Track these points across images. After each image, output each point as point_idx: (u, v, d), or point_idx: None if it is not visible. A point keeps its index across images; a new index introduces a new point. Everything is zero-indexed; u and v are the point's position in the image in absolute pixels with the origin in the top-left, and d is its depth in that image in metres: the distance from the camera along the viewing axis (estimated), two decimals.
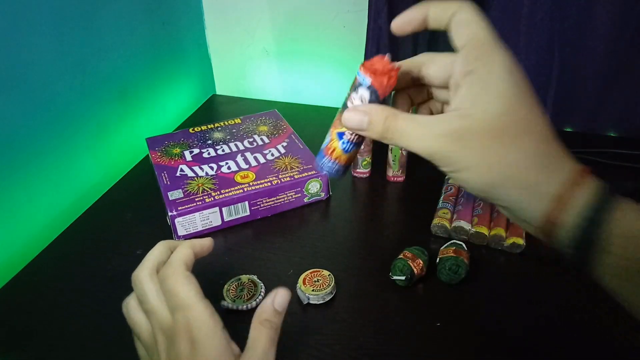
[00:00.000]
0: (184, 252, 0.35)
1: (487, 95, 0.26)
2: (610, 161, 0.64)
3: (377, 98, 0.30)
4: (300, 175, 0.57)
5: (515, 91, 0.26)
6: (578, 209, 0.26)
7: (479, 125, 0.26)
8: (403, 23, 0.30)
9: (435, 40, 0.72)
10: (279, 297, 0.33)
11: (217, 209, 0.53)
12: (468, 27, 0.27)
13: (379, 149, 0.63)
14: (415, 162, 0.63)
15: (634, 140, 0.69)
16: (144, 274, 0.34)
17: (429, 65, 0.30)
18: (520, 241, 0.50)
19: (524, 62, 0.70)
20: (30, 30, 0.53)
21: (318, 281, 0.46)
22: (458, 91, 0.27)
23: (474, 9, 0.27)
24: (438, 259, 0.48)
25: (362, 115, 0.29)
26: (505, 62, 0.26)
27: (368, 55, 0.75)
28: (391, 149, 0.61)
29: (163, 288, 0.33)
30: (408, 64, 0.32)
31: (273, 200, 0.56)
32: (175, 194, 0.54)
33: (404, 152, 0.61)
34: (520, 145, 0.26)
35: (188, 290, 0.32)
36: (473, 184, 0.27)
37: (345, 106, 0.31)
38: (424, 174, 0.63)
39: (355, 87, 0.31)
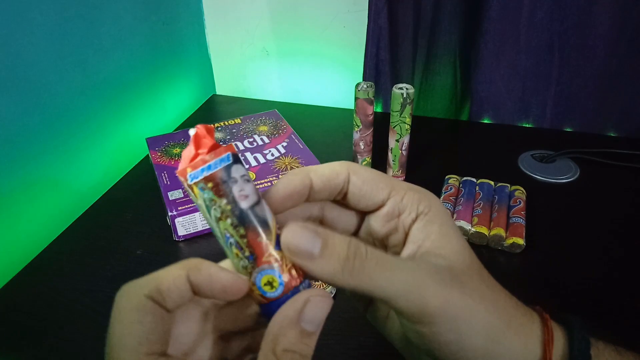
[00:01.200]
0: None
1: (451, 235, 0.23)
2: (611, 161, 0.64)
3: (244, 166, 0.22)
4: None
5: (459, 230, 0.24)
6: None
7: (460, 265, 0.22)
8: (283, 198, 0.23)
9: (435, 40, 0.72)
10: (312, 309, 0.20)
11: None
12: (384, 179, 0.24)
13: (379, 149, 0.63)
14: (415, 162, 0.63)
15: (634, 140, 0.69)
16: None
17: (357, 182, 0.24)
18: (520, 241, 0.50)
19: (524, 62, 0.70)
20: (30, 30, 0.53)
21: (318, 280, 0.46)
22: (414, 233, 0.23)
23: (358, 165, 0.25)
24: None
25: (312, 234, 0.20)
26: (441, 203, 0.25)
27: (368, 55, 0.75)
28: (391, 149, 0.61)
29: None
30: (325, 172, 0.24)
31: None
32: (175, 194, 0.54)
33: (404, 152, 0.61)
34: (496, 286, 0.24)
35: None
36: (474, 345, 0.21)
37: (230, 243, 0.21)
38: (424, 174, 0.63)
39: (221, 185, 0.21)
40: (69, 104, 0.59)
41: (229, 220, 0.21)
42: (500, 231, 0.51)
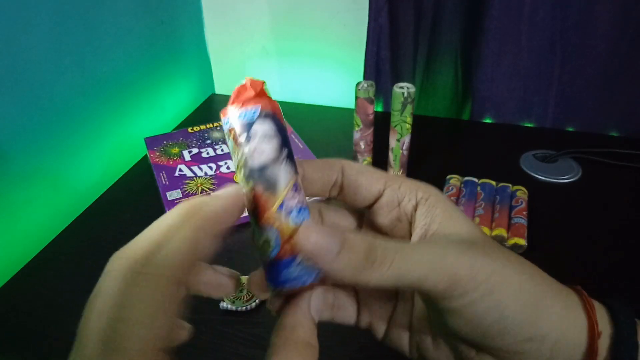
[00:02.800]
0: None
1: (457, 216, 0.23)
2: (613, 161, 0.63)
3: (281, 126, 0.22)
4: None
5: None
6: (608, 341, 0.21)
7: (474, 241, 0.21)
8: None
9: (436, 38, 0.72)
10: (316, 299, 0.22)
11: None
12: (377, 171, 0.24)
13: (380, 149, 0.62)
14: (416, 162, 0.63)
15: (636, 140, 0.69)
16: None
17: (359, 177, 0.24)
18: (522, 241, 0.49)
19: (526, 61, 0.70)
20: (28, 29, 0.52)
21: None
22: (419, 219, 0.23)
23: (350, 162, 0.24)
24: None
25: (331, 233, 0.19)
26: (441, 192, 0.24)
27: (368, 54, 0.75)
28: (392, 149, 0.60)
29: None
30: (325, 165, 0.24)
31: None
32: (173, 194, 0.53)
33: (405, 152, 0.60)
34: (526, 262, 0.22)
35: None
36: (513, 310, 0.20)
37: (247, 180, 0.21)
38: (425, 174, 0.63)
39: (238, 137, 0.21)
40: (67, 104, 0.59)
41: (242, 172, 0.21)
42: (502, 231, 0.50)
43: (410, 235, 0.24)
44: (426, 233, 0.22)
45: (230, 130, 0.21)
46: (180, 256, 0.18)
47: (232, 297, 0.45)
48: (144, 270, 0.18)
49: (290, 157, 0.21)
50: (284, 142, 0.21)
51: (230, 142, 0.22)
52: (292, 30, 0.83)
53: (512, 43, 0.69)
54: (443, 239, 0.22)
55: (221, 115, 0.22)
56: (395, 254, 0.20)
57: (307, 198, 0.22)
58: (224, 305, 0.44)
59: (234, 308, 0.44)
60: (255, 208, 0.21)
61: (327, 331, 0.43)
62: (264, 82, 0.22)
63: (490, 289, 0.20)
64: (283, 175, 0.21)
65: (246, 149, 0.21)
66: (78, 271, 0.51)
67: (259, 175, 0.21)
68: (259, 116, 0.21)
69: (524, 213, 0.53)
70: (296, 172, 0.21)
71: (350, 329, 0.43)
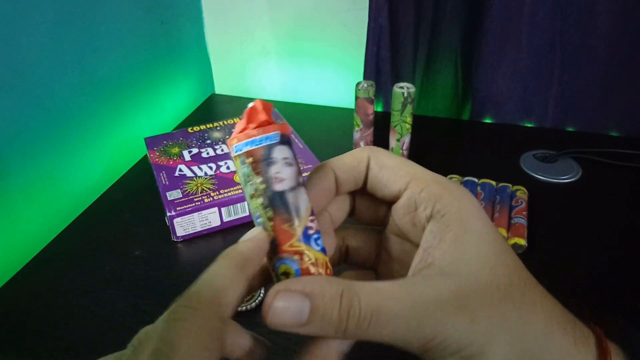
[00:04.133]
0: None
1: (469, 245, 0.20)
2: (613, 161, 0.63)
3: (292, 150, 0.21)
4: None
5: (497, 236, 0.20)
6: None
7: (474, 285, 0.19)
8: (313, 200, 0.22)
9: (436, 38, 0.72)
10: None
11: (216, 209, 0.53)
12: (405, 167, 0.22)
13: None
14: (416, 162, 0.63)
15: (636, 140, 0.69)
16: None
17: (381, 172, 0.23)
18: (522, 241, 0.49)
19: (526, 61, 0.70)
20: (28, 29, 0.52)
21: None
22: (426, 236, 0.21)
23: (385, 151, 0.24)
24: None
25: (297, 300, 0.18)
26: (474, 204, 0.21)
27: (368, 54, 0.75)
28: (392, 149, 0.60)
29: None
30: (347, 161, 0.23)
31: None
32: (173, 194, 0.53)
33: (405, 152, 0.60)
34: (536, 307, 0.20)
35: None
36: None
37: (260, 214, 0.21)
38: None
39: (258, 162, 0.20)
40: (67, 104, 0.59)
41: (260, 200, 0.20)
42: (502, 231, 0.50)
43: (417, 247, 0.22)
44: (426, 260, 0.20)
45: (246, 157, 0.20)
46: (217, 292, 0.19)
47: None
48: (185, 303, 0.18)
49: (305, 184, 0.21)
50: (299, 168, 0.21)
51: (244, 169, 0.20)
52: (292, 30, 0.83)
53: (512, 43, 0.69)
54: (435, 281, 0.19)
55: (232, 141, 0.21)
56: (370, 325, 0.19)
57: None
58: None
59: None
60: (275, 238, 0.20)
61: None
62: (272, 105, 0.22)
63: (470, 354, 0.19)
64: (303, 201, 0.21)
65: (269, 175, 0.20)
66: (78, 271, 0.51)
67: (281, 201, 0.20)
68: (280, 142, 0.20)
69: (524, 213, 0.53)
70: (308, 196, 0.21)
71: None
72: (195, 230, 0.53)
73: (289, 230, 0.20)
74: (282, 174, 0.20)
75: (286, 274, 0.20)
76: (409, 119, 0.57)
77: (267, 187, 0.20)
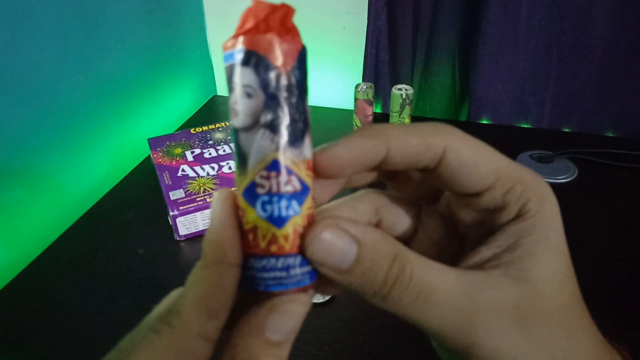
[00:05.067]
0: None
1: (547, 254, 0.18)
2: (609, 161, 0.64)
3: (274, 77, 0.15)
4: None
5: (568, 254, 0.18)
6: None
7: (541, 296, 0.17)
8: (340, 164, 0.18)
9: (434, 41, 0.73)
10: (278, 317, 0.17)
11: None
12: (489, 162, 0.18)
13: None
14: None
15: (632, 140, 0.69)
16: None
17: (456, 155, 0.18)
18: None
19: (523, 63, 0.71)
20: (32, 31, 0.53)
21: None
22: (500, 236, 0.18)
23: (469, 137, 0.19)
24: None
25: (346, 241, 0.16)
26: (558, 211, 0.19)
27: (368, 56, 0.76)
28: None
29: None
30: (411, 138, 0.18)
31: None
32: (176, 194, 0.54)
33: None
34: (585, 331, 0.18)
35: None
36: None
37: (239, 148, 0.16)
38: None
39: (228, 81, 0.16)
40: (70, 105, 0.60)
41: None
42: None
43: (472, 243, 0.19)
44: (491, 260, 0.18)
45: (227, 69, 0.16)
46: (195, 307, 0.17)
47: None
48: (155, 327, 0.17)
49: (273, 127, 0.16)
50: (271, 104, 0.15)
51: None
52: None
53: (509, 45, 0.70)
54: (493, 291, 0.17)
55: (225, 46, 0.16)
56: (415, 303, 0.16)
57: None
58: None
59: None
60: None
61: (329, 329, 0.44)
62: (285, 8, 0.16)
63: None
64: (257, 149, 0.16)
65: (229, 103, 0.16)
66: (81, 271, 0.51)
67: (235, 141, 0.16)
68: (243, 62, 0.15)
69: None
70: (295, 151, 0.16)
71: (351, 327, 0.44)
72: (198, 229, 0.54)
73: (236, 179, 0.17)
74: (237, 106, 0.16)
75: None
76: (408, 120, 0.58)
77: (230, 117, 0.16)
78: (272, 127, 0.16)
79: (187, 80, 0.86)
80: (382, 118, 0.66)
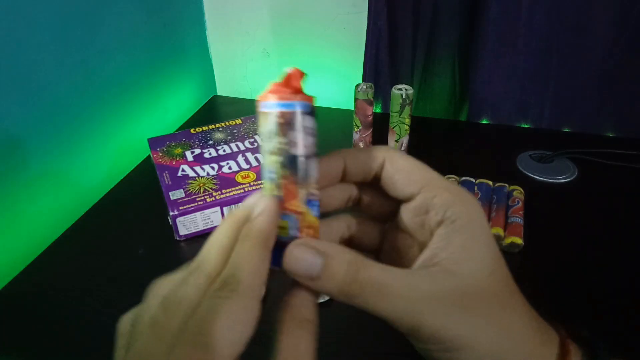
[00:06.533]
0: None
1: (475, 249, 0.22)
2: (609, 161, 0.64)
3: (315, 123, 0.23)
4: None
5: (496, 247, 0.22)
6: None
7: (473, 285, 0.21)
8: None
9: (434, 41, 0.73)
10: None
11: (218, 208, 0.54)
12: (419, 171, 0.24)
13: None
14: None
15: (632, 140, 0.69)
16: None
17: (393, 169, 0.24)
18: (519, 241, 0.50)
19: (522, 63, 0.71)
20: (32, 31, 0.53)
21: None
22: (435, 239, 0.22)
23: (405, 154, 0.25)
24: None
25: (312, 255, 0.21)
26: (481, 212, 0.23)
27: (368, 56, 0.76)
28: None
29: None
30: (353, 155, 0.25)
31: None
32: (176, 194, 0.54)
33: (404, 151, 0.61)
34: (517, 310, 0.22)
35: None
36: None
37: (273, 171, 0.22)
38: None
39: (287, 123, 0.22)
40: (70, 105, 0.60)
41: (279, 158, 0.22)
42: (499, 231, 0.51)
43: (423, 247, 0.23)
44: (432, 259, 0.22)
45: (276, 116, 0.22)
46: (251, 275, 0.20)
47: None
48: (225, 287, 0.20)
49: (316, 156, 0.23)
50: (316, 141, 0.23)
51: (272, 126, 0.22)
52: (292, 33, 0.84)
53: (509, 45, 0.70)
54: (437, 280, 0.21)
55: (268, 98, 0.22)
56: (371, 294, 0.20)
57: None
58: None
59: None
60: (281, 195, 0.22)
61: (328, 329, 0.44)
62: (305, 75, 0.23)
63: (455, 350, 0.21)
64: (313, 170, 0.23)
65: (293, 139, 0.22)
66: (81, 271, 0.51)
67: (296, 164, 0.22)
68: (310, 112, 0.22)
69: (521, 212, 0.54)
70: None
71: (351, 327, 0.44)
72: (198, 230, 0.54)
73: (295, 191, 0.22)
74: (304, 141, 0.22)
75: (283, 228, 0.23)
76: (408, 120, 0.58)
77: (288, 148, 0.22)
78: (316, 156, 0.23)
79: (187, 80, 0.86)
80: (382, 118, 0.66)
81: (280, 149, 0.22)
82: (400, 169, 0.24)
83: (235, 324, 0.19)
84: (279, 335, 0.21)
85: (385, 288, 0.20)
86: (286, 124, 0.22)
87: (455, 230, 0.22)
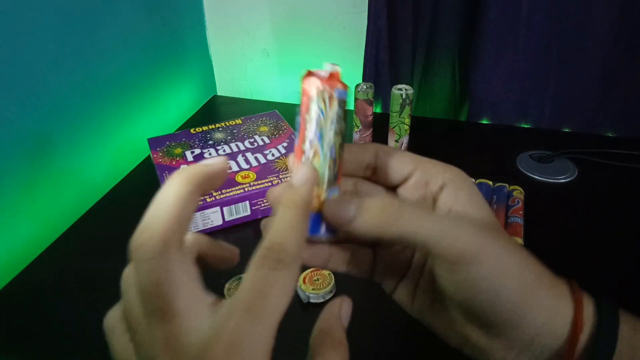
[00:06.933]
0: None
1: (477, 202, 0.25)
2: (609, 161, 0.64)
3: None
4: None
5: (486, 203, 0.26)
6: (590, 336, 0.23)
7: (485, 224, 0.24)
8: None
9: (434, 41, 0.73)
10: (346, 308, 0.25)
11: (218, 208, 0.54)
12: (409, 155, 0.27)
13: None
14: None
15: (632, 140, 0.69)
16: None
17: (389, 160, 0.27)
18: (519, 241, 0.50)
19: (522, 63, 0.71)
20: (32, 31, 0.53)
21: (318, 280, 0.47)
22: (444, 198, 0.25)
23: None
24: None
25: (348, 203, 0.24)
26: (467, 176, 0.26)
27: (368, 56, 0.76)
28: None
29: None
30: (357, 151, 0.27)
31: None
32: None
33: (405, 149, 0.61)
34: (523, 249, 0.24)
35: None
36: (509, 290, 0.22)
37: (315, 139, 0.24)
38: None
39: (333, 104, 0.24)
40: (70, 105, 0.60)
41: (340, 139, 0.24)
42: None
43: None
44: (448, 212, 0.25)
45: (343, 103, 0.24)
46: (299, 247, 0.22)
47: None
48: (278, 266, 0.21)
49: None
50: None
51: (339, 112, 0.24)
52: (292, 33, 0.84)
53: (509, 45, 0.70)
54: (464, 216, 0.24)
55: (330, 86, 0.24)
56: (411, 216, 0.22)
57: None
58: None
59: None
60: (338, 172, 0.25)
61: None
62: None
63: (492, 271, 0.22)
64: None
65: (345, 124, 0.25)
66: (81, 271, 0.51)
67: (342, 138, 0.25)
68: (345, 102, 0.25)
69: (521, 212, 0.54)
70: None
71: (350, 327, 0.44)
72: (198, 229, 0.54)
73: (341, 171, 0.25)
74: (343, 122, 0.25)
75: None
76: (408, 120, 0.58)
77: (344, 130, 0.25)
78: None
79: (187, 80, 0.86)
80: (382, 118, 0.67)
81: (342, 130, 0.25)
82: (392, 154, 0.27)
83: (286, 297, 0.20)
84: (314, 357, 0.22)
85: (423, 210, 0.23)
86: (344, 110, 0.25)
87: (458, 188, 0.25)
